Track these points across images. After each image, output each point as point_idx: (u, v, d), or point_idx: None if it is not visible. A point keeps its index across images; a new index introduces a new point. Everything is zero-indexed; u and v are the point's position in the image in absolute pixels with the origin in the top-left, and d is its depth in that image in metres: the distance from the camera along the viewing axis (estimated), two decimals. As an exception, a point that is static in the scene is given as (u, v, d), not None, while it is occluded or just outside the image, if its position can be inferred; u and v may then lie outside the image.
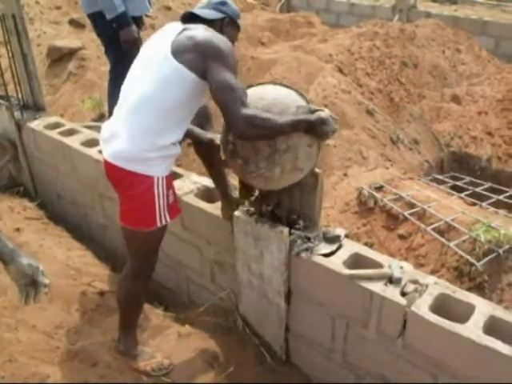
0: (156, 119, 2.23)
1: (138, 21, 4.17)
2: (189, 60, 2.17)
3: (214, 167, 2.67)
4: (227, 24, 2.44)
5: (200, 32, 2.22)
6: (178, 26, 2.33)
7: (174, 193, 2.41)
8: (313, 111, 2.19)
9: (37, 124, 4.04)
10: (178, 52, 2.19)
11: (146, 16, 4.38)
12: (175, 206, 2.40)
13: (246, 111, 2.05)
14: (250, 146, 2.19)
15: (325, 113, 2.15)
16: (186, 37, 2.21)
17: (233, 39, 2.46)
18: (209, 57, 2.14)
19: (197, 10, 2.39)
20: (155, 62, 2.25)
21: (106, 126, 2.41)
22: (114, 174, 2.34)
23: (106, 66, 4.98)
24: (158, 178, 2.29)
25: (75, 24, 7.19)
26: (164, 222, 2.33)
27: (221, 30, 2.37)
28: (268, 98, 2.19)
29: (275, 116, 2.08)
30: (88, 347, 2.65)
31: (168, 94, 2.20)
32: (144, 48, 2.42)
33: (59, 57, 6.57)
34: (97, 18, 4.03)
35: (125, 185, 2.34)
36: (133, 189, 2.31)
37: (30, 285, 1.95)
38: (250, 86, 2.35)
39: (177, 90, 2.20)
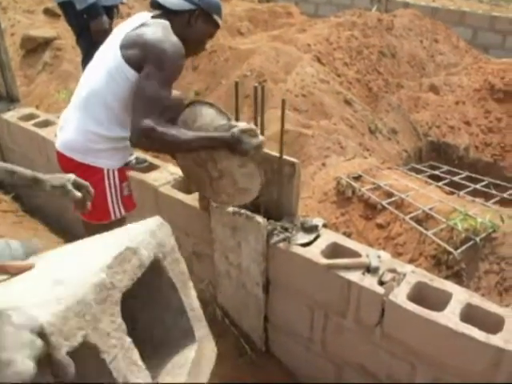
0: (101, 112, 2.20)
1: (111, 11, 4.10)
2: (131, 57, 2.11)
3: None
4: (197, 16, 2.25)
5: (152, 31, 2.11)
6: (141, 18, 2.24)
7: (129, 186, 2.39)
8: (229, 128, 2.06)
9: (11, 115, 3.96)
10: (125, 47, 2.13)
11: (122, 4, 4.32)
12: (130, 199, 2.38)
13: (146, 123, 1.97)
14: (195, 177, 2.26)
15: (239, 128, 2.02)
16: (138, 33, 2.13)
17: (204, 35, 2.32)
18: (148, 58, 2.06)
19: (166, 0, 2.26)
20: (108, 53, 2.21)
21: (62, 115, 2.38)
22: (65, 164, 2.31)
23: (81, 57, 4.90)
24: (108, 171, 2.26)
25: (50, 13, 7.07)
26: (118, 216, 2.31)
27: (189, 23, 2.24)
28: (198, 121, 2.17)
29: (181, 133, 2.01)
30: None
31: (111, 88, 2.16)
32: (109, 38, 2.35)
33: (34, 47, 6.45)
34: (68, 8, 3.96)
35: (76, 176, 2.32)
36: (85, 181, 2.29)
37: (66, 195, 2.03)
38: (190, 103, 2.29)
39: (118, 85, 2.15)
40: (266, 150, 2.24)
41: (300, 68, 5.36)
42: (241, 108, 2.43)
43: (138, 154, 3.11)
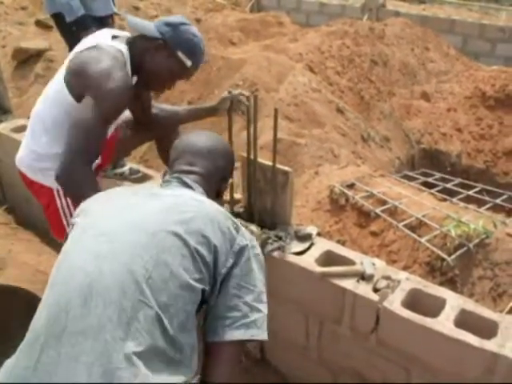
0: (42, 134, 2.14)
1: (105, 21, 4.11)
2: (73, 83, 1.99)
3: None
4: (158, 49, 2.06)
5: (99, 59, 1.93)
6: (99, 37, 2.11)
7: None
8: None
9: (3, 127, 3.95)
10: (69, 71, 2.02)
11: (116, 15, 4.33)
12: None
13: (76, 167, 1.88)
14: None
15: None
16: (83, 58, 1.99)
17: (164, 72, 2.12)
18: (88, 90, 1.92)
19: (130, 17, 2.14)
20: (58, 73, 2.12)
21: None
22: (22, 178, 2.30)
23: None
24: (58, 191, 2.20)
25: (41, 25, 7.06)
26: None
27: (149, 52, 2.07)
28: None
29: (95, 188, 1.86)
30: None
31: (51, 112, 2.08)
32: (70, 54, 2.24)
33: (26, 58, 6.45)
34: (60, 19, 3.97)
35: (33, 192, 2.31)
36: (40, 198, 2.28)
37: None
38: None
39: (57, 109, 2.05)
40: (259, 159, 2.25)
41: (292, 77, 5.39)
42: (233, 117, 2.43)
43: (132, 164, 3.11)
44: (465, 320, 1.84)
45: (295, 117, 4.93)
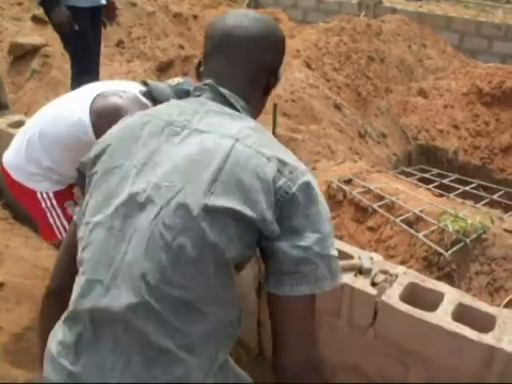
0: (42, 154, 2.14)
1: (96, 13, 4.02)
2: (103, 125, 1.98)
3: None
4: None
5: (116, 99, 2.03)
6: (129, 86, 2.17)
7: (75, 203, 2.28)
8: None
9: (0, 122, 3.94)
10: (98, 111, 2.04)
11: (117, 9, 4.29)
12: None
13: None
14: None
15: None
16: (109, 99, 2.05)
17: None
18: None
19: (154, 84, 2.21)
20: (72, 105, 2.12)
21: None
22: (5, 177, 2.27)
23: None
24: (42, 193, 2.19)
25: (38, 20, 7.04)
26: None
27: None
28: None
29: None
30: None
31: (58, 139, 2.10)
32: (83, 89, 2.24)
33: (22, 54, 6.42)
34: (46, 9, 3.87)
35: (14, 191, 2.28)
36: (21, 198, 2.26)
37: None
38: None
39: (68, 140, 2.08)
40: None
41: (289, 73, 5.39)
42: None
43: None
44: (462, 314, 1.85)
45: (292, 113, 4.93)
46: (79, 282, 1.19)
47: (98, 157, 1.28)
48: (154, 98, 2.15)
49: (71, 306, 1.20)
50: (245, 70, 1.35)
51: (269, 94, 1.46)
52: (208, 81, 1.34)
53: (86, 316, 1.15)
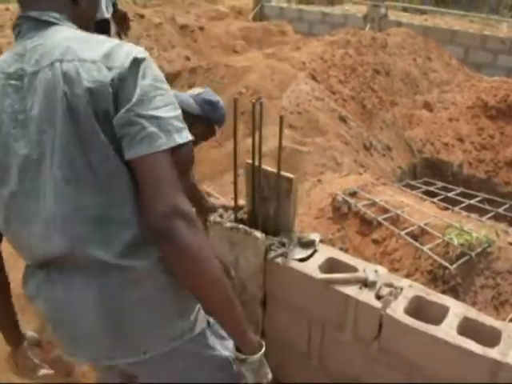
0: None
1: (101, 27, 4.06)
2: None
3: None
4: (200, 124, 2.38)
5: None
6: None
7: None
8: None
9: None
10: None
11: (129, 20, 4.33)
12: None
13: None
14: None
15: None
16: None
17: (199, 141, 2.41)
18: None
19: (177, 94, 2.29)
20: None
21: None
22: None
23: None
24: None
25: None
26: None
27: (190, 127, 2.26)
28: None
29: None
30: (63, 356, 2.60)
31: None
32: None
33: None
34: None
35: None
36: None
37: None
38: None
39: None
40: (263, 166, 2.26)
41: (295, 85, 5.42)
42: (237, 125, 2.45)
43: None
44: (468, 328, 1.85)
45: (298, 125, 4.95)
46: (21, 242, 1.37)
47: None
48: None
49: (27, 262, 1.42)
50: None
51: None
52: (19, 14, 1.39)
53: (42, 263, 1.36)
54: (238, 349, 1.47)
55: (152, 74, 1.28)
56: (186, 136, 1.30)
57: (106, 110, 1.23)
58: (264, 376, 1.51)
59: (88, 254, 1.28)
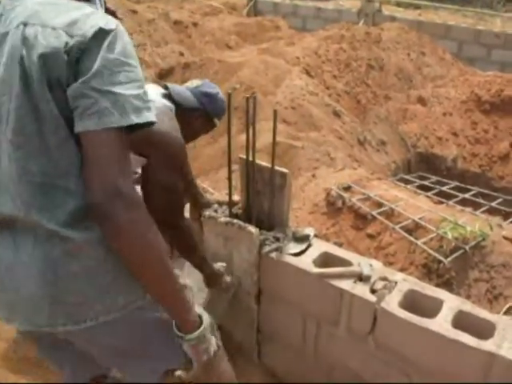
0: None
1: None
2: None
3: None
4: (198, 117, 2.29)
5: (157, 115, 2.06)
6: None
7: None
8: None
9: None
10: None
11: (117, 18, 4.31)
12: None
13: None
14: None
15: None
16: None
17: (199, 133, 2.38)
18: (155, 146, 2.01)
19: (173, 87, 2.24)
20: None
21: None
22: None
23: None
24: None
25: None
26: None
27: (188, 120, 2.22)
28: None
29: None
30: None
31: None
32: None
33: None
34: None
35: None
36: None
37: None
38: None
39: None
40: (257, 161, 2.26)
41: (289, 80, 5.41)
42: (231, 120, 2.44)
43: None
44: (462, 321, 1.85)
45: (292, 120, 4.95)
46: None
47: None
48: (174, 101, 2.19)
49: None
50: None
51: None
52: None
53: None
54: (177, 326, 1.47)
55: (120, 47, 1.24)
56: (146, 117, 1.25)
57: (58, 78, 1.20)
58: (203, 352, 1.49)
59: (34, 219, 1.29)
